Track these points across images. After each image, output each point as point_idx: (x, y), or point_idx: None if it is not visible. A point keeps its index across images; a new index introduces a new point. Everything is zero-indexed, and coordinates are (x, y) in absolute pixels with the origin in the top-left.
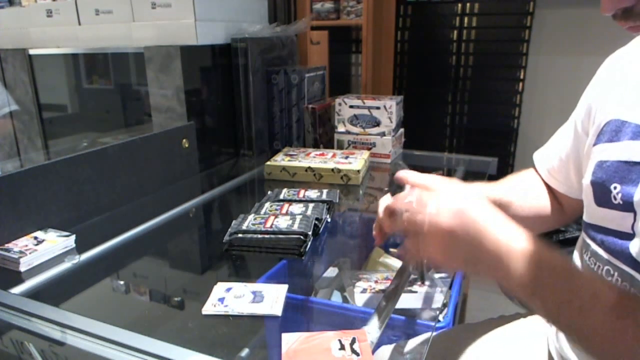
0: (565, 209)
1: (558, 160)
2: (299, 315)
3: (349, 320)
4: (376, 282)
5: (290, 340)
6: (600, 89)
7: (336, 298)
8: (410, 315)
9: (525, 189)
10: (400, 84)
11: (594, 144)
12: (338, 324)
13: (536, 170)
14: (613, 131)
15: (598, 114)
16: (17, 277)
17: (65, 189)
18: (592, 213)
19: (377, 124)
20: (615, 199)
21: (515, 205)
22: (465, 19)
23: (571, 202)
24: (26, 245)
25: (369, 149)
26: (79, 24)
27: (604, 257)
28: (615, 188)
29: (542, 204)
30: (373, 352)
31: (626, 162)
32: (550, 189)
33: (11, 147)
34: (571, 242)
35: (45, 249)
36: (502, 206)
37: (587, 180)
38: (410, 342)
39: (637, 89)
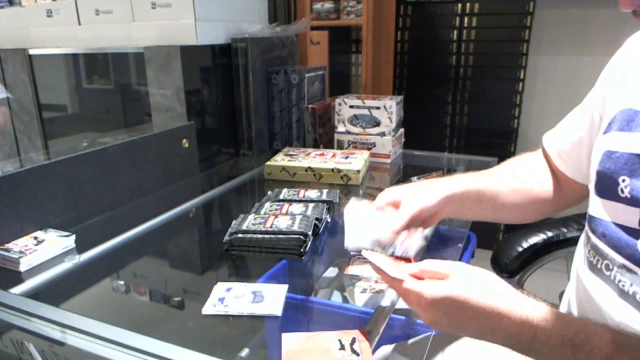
0: (566, 195)
1: (570, 143)
2: (299, 315)
3: (349, 320)
4: (376, 282)
5: (290, 340)
6: (616, 74)
7: (336, 298)
8: (411, 315)
9: (528, 174)
10: (400, 84)
11: (604, 132)
12: (338, 324)
13: (544, 153)
14: (625, 120)
15: (612, 101)
16: (17, 277)
17: (65, 189)
18: (593, 204)
19: (377, 124)
20: (622, 192)
21: (509, 193)
22: (465, 19)
23: (575, 187)
24: (26, 245)
25: (369, 149)
26: (79, 24)
27: (604, 251)
28: (623, 181)
29: (543, 188)
30: (373, 352)
31: (638, 155)
32: (554, 173)
33: (11, 147)
34: (571, 242)
35: (45, 249)
36: (489, 197)
37: (593, 168)
38: (410, 342)
39: None
